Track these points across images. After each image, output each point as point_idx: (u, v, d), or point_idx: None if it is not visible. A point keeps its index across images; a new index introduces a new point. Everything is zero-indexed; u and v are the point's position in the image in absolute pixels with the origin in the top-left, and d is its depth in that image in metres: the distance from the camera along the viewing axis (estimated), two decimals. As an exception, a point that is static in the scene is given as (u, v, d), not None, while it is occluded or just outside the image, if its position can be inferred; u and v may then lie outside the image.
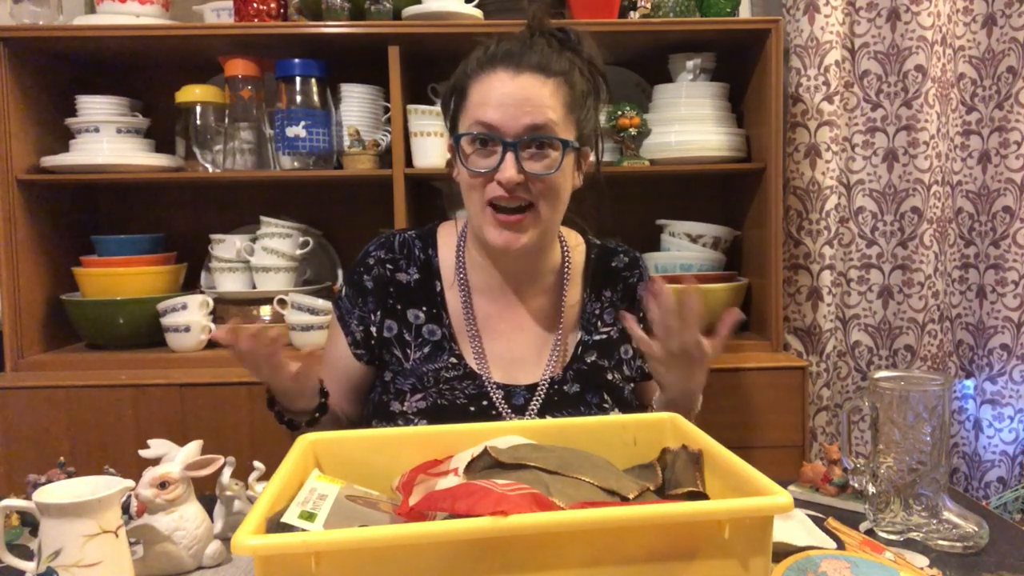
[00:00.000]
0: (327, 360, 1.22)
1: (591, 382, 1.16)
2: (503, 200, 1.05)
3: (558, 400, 1.14)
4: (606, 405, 1.15)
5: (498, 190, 1.05)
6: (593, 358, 1.17)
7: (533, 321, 1.18)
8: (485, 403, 1.12)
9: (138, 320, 1.89)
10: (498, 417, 1.11)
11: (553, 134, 1.05)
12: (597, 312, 1.20)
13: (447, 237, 1.20)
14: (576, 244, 1.24)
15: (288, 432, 1.20)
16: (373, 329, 1.16)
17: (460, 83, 1.09)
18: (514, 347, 1.16)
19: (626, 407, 1.18)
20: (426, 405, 1.11)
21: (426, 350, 1.14)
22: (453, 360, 1.13)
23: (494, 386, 1.13)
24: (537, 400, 1.13)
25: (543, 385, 1.14)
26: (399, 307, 1.16)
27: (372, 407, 1.19)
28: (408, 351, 1.15)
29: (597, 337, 1.19)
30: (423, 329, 1.15)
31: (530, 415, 1.12)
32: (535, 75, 1.05)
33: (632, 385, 1.23)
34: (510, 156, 1.03)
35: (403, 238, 1.19)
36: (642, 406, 1.26)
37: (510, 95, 1.03)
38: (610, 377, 1.18)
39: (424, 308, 1.16)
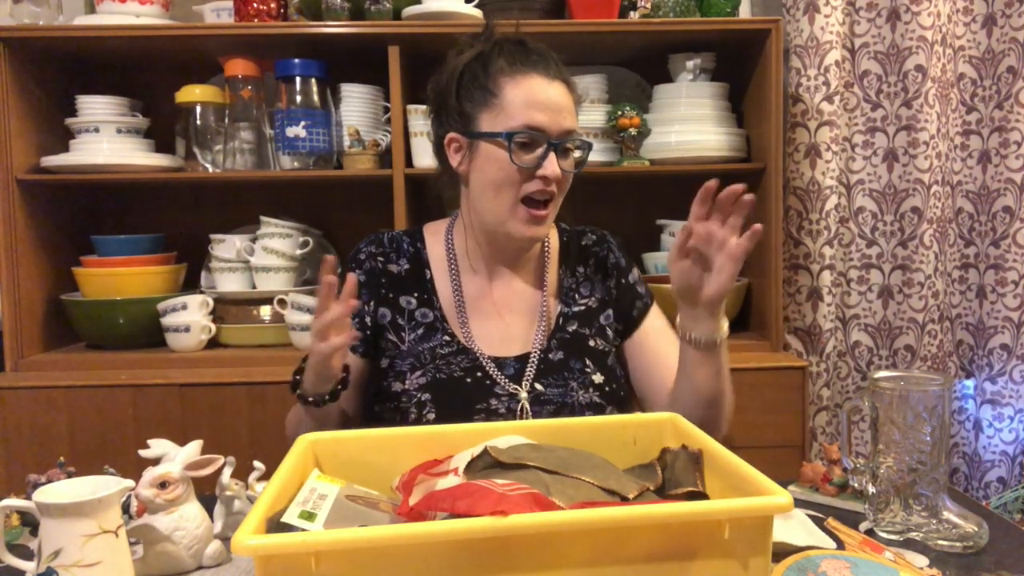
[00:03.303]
0: None
1: (573, 349, 1.22)
2: (538, 195, 1.14)
3: (544, 368, 1.20)
4: (588, 370, 1.20)
5: (536, 185, 1.14)
6: (575, 327, 1.24)
7: (518, 300, 1.25)
8: (480, 374, 1.18)
9: (138, 320, 1.89)
10: (493, 386, 1.17)
11: (579, 137, 1.18)
12: (573, 287, 1.28)
13: (434, 234, 1.29)
14: (551, 230, 1.32)
15: (287, 433, 1.21)
16: (368, 319, 1.21)
17: (482, 80, 1.15)
18: (501, 326, 1.23)
19: (610, 374, 1.23)
20: (426, 381, 1.16)
21: (420, 332, 1.21)
22: (446, 338, 1.20)
23: (486, 359, 1.19)
24: (531, 369, 1.19)
25: (534, 355, 1.20)
26: (391, 295, 1.23)
27: (372, 395, 1.23)
28: (403, 334, 1.21)
29: (576, 308, 1.26)
30: (416, 313, 1.22)
31: (527, 382, 1.18)
32: (562, 84, 1.16)
33: (614, 352, 1.27)
34: (553, 154, 1.13)
35: (392, 235, 1.28)
36: (625, 378, 1.28)
37: (552, 100, 1.14)
38: (592, 344, 1.24)
39: (416, 294, 1.23)
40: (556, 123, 1.13)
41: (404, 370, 1.18)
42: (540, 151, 1.13)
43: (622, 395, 1.24)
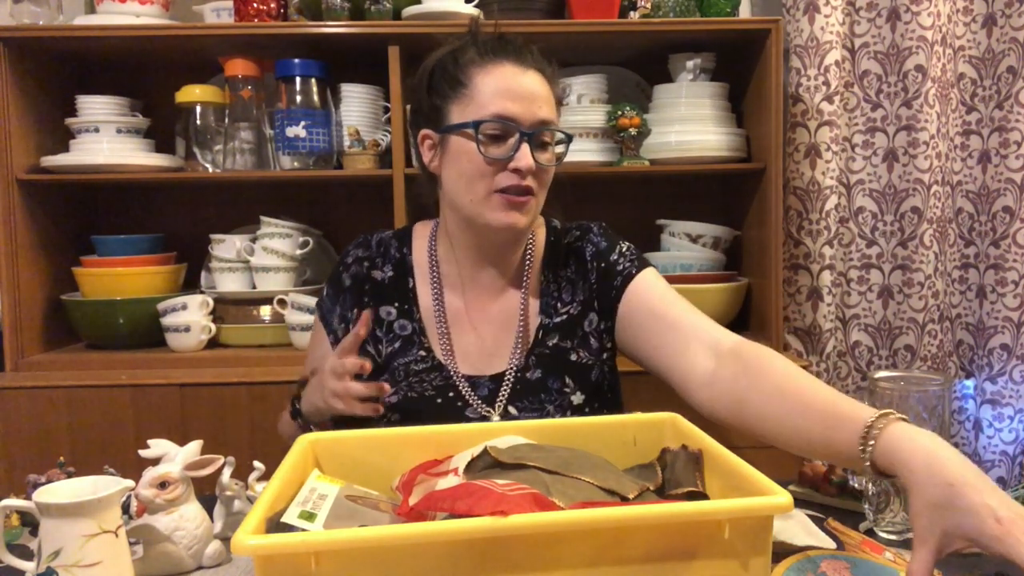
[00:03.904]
0: (310, 361, 1.24)
1: (552, 366, 1.15)
2: (513, 189, 1.08)
3: (520, 389, 1.13)
4: (567, 389, 1.14)
5: (509, 178, 1.07)
6: (555, 341, 1.16)
7: (499, 313, 1.18)
8: (452, 394, 1.13)
9: (138, 320, 1.89)
10: (465, 407, 1.12)
11: (557, 128, 1.11)
12: (555, 293, 1.19)
13: (420, 237, 1.23)
14: (538, 228, 1.25)
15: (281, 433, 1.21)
16: (351, 326, 1.16)
17: (452, 71, 1.10)
18: (481, 339, 1.17)
19: (592, 391, 1.16)
20: (398, 399, 1.12)
21: (397, 345, 1.16)
22: (422, 353, 1.15)
23: (460, 378, 1.14)
24: (505, 390, 1.13)
25: (509, 374, 1.14)
26: (372, 303, 1.18)
27: None
28: (380, 347, 1.16)
29: (557, 319, 1.17)
30: (395, 325, 1.17)
31: (499, 405, 1.12)
32: (537, 73, 1.10)
33: (603, 359, 1.18)
34: (526, 145, 1.06)
35: (380, 237, 1.23)
36: (615, 390, 1.22)
37: (525, 89, 1.08)
38: (574, 358, 1.16)
39: (396, 304, 1.18)
40: (529, 112, 1.06)
41: None
42: (512, 142, 1.06)
43: (604, 413, 1.15)
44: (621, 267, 1.17)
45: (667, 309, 1.12)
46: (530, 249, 1.21)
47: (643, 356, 1.14)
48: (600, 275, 1.18)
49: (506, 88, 1.07)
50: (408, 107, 1.22)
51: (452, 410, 1.12)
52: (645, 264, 1.19)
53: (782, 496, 0.67)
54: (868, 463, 0.79)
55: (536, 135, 1.08)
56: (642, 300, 1.14)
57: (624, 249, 1.20)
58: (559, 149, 1.14)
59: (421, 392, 1.12)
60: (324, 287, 1.23)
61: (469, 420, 1.11)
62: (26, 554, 0.86)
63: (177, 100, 1.93)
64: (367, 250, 1.21)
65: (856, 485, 1.08)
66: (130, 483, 0.83)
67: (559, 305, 1.18)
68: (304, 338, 1.85)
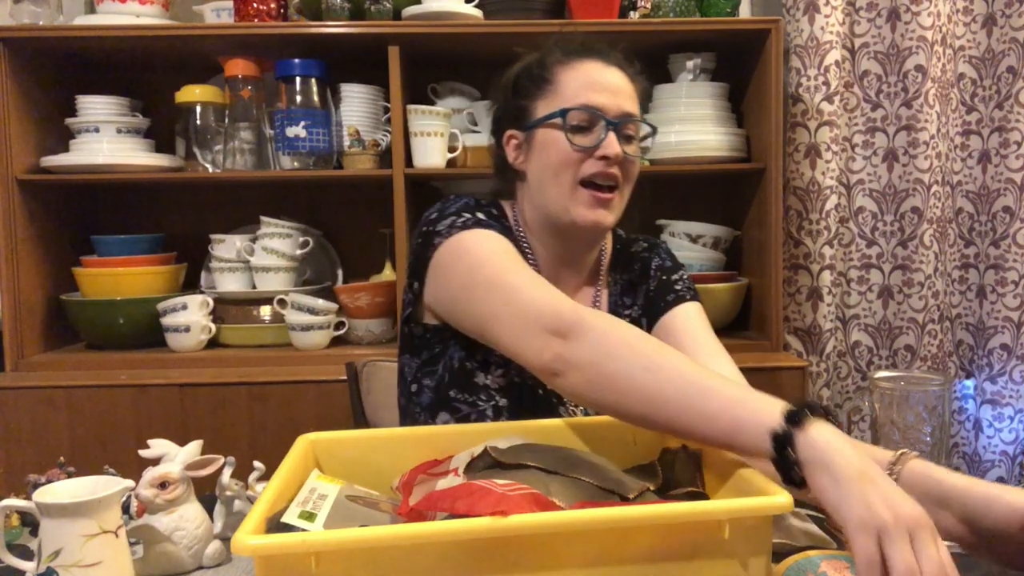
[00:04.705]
0: (519, 271, 1.03)
1: None
2: (600, 177, 1.09)
3: None
4: None
5: (596, 166, 1.08)
6: None
7: None
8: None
9: (138, 320, 1.89)
10: (560, 404, 1.13)
11: (641, 120, 1.14)
12: (619, 293, 1.23)
13: (510, 220, 1.20)
14: (609, 236, 1.28)
15: (287, 432, 1.20)
16: None
17: (538, 72, 1.12)
18: None
19: None
20: (506, 382, 1.11)
21: None
22: None
23: None
24: None
25: None
26: None
27: (450, 375, 1.13)
28: None
29: (623, 318, 1.19)
30: None
31: None
32: (620, 70, 1.12)
33: None
34: (612, 134, 1.08)
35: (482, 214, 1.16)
36: None
37: (610, 82, 1.10)
38: None
39: None
40: (615, 104, 1.08)
41: (491, 361, 1.10)
42: (598, 130, 1.08)
43: None
44: (679, 287, 1.22)
45: (708, 339, 1.16)
46: (603, 252, 1.24)
47: None
48: (658, 285, 1.22)
49: (591, 81, 1.09)
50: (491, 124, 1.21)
51: (548, 404, 1.12)
52: (698, 298, 1.23)
53: (782, 496, 0.67)
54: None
55: (621, 125, 1.09)
56: (688, 320, 1.18)
57: (685, 276, 1.25)
58: (646, 143, 1.17)
59: (524, 379, 1.11)
60: (461, 218, 1.08)
61: (560, 416, 1.11)
62: (26, 554, 0.86)
63: (177, 100, 1.93)
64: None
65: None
66: (130, 483, 0.83)
67: (622, 308, 1.22)
68: (304, 339, 1.85)
